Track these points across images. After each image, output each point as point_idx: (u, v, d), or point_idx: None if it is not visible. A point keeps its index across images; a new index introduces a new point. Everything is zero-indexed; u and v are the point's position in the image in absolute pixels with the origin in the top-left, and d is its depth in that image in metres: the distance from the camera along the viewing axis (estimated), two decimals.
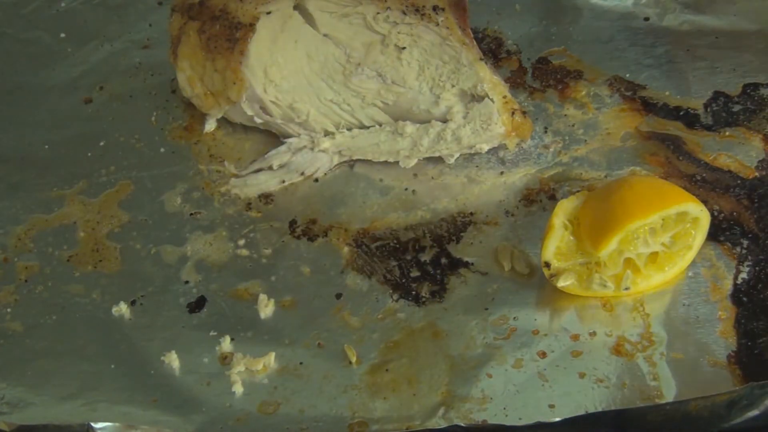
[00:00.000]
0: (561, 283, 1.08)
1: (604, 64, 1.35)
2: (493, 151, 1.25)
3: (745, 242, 1.14)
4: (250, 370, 1.06)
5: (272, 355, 1.07)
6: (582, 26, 1.40)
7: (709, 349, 1.05)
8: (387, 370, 1.06)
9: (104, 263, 1.18)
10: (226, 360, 1.07)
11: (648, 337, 1.06)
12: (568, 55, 1.37)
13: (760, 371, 1.02)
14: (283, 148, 1.26)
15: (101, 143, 1.30)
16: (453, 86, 1.21)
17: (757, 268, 1.11)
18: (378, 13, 1.20)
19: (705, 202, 1.09)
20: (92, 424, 0.97)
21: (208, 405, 1.04)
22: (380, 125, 1.25)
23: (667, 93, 1.31)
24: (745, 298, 1.09)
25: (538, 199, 1.21)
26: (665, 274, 1.09)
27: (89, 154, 1.29)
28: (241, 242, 1.19)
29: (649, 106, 1.29)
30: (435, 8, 1.22)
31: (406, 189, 1.23)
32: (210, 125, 1.30)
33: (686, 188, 1.13)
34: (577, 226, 1.07)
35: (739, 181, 1.20)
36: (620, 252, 1.06)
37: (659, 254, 1.07)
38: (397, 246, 1.17)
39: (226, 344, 1.09)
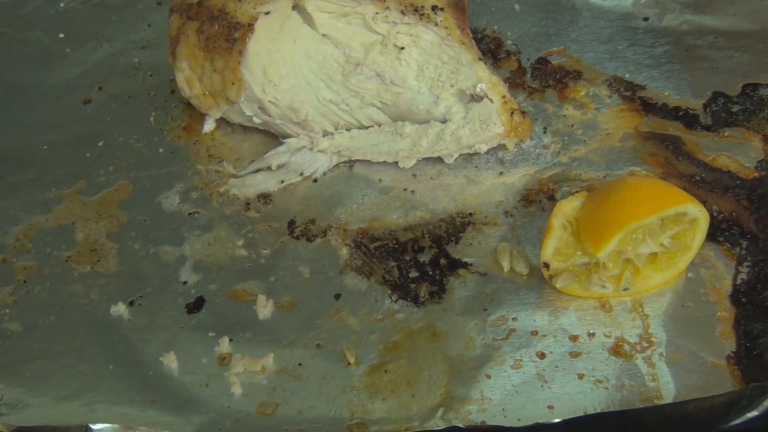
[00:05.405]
0: (560, 284, 1.08)
1: (603, 64, 1.35)
2: (492, 151, 1.25)
3: (745, 243, 1.13)
4: (249, 371, 1.06)
5: (271, 356, 1.07)
6: (581, 26, 1.40)
7: (709, 350, 1.05)
8: (386, 371, 1.06)
9: (103, 263, 1.17)
10: (224, 361, 1.07)
11: (647, 337, 1.06)
12: (568, 55, 1.37)
13: (759, 372, 1.02)
14: (282, 148, 1.26)
15: (100, 143, 1.30)
16: (452, 86, 1.21)
17: (756, 269, 1.11)
18: (377, 13, 1.20)
19: (704, 203, 1.09)
20: (90, 425, 0.97)
21: (206, 406, 1.04)
22: (379, 125, 1.25)
23: (666, 93, 1.30)
24: (744, 299, 1.09)
25: (537, 200, 1.20)
26: (664, 274, 1.09)
27: (88, 155, 1.29)
28: (240, 242, 1.19)
29: (648, 107, 1.29)
30: (434, 8, 1.21)
31: (405, 189, 1.23)
32: (209, 125, 1.30)
33: (685, 188, 1.13)
34: (576, 227, 1.07)
35: (738, 182, 1.19)
36: (619, 252, 1.06)
37: (658, 255, 1.07)
38: (396, 246, 1.17)
39: (224, 345, 1.08)
